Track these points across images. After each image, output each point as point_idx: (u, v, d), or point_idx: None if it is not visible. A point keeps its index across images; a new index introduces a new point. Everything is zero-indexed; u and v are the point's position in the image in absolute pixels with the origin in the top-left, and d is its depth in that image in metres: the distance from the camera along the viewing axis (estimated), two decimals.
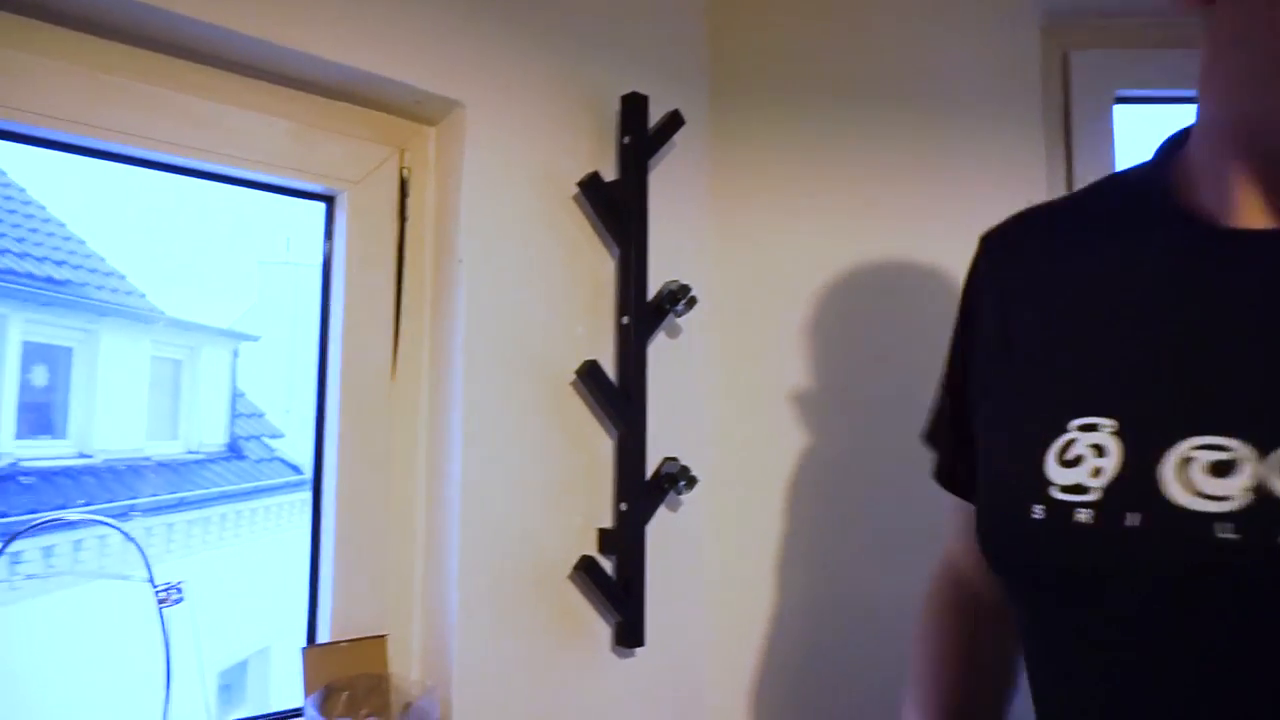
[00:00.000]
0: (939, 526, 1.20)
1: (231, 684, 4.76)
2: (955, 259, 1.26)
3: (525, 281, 1.14)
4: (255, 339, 5.75)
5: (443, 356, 1.11)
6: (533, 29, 1.16)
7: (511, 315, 1.12)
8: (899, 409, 1.24)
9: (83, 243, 5.59)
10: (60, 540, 3.83)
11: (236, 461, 5.23)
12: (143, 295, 5.67)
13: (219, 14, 0.90)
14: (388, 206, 1.11)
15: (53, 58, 0.88)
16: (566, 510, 1.17)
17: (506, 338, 1.11)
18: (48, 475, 4.14)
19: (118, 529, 0.83)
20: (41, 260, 4.91)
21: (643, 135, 1.22)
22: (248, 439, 5.48)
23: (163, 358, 4.94)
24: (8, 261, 4.66)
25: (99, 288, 5.20)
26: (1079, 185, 1.31)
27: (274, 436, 5.76)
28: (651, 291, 1.22)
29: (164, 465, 4.78)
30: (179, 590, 0.80)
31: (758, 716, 1.27)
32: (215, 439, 5.24)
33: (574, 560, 1.15)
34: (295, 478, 5.46)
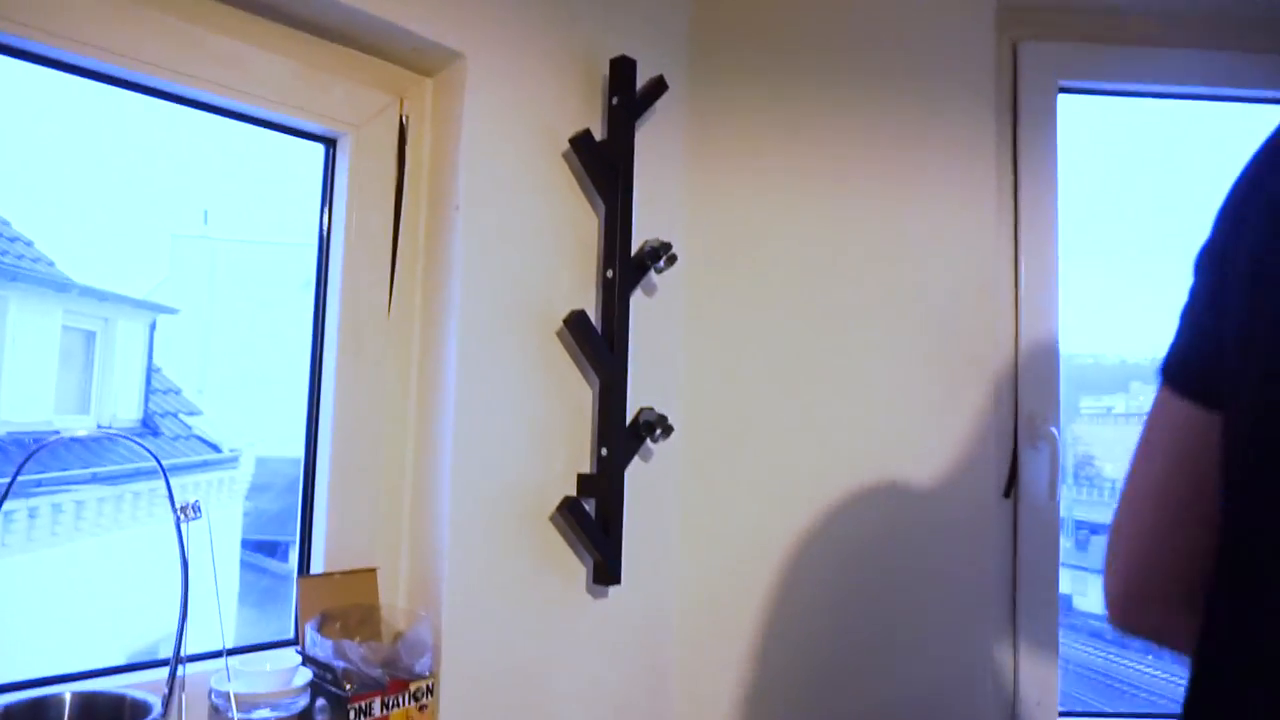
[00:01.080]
0: (904, 470, 1.31)
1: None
2: (914, 230, 1.36)
3: (517, 230, 1.18)
4: (175, 311, 5.54)
5: (436, 297, 1.15)
6: None
7: (504, 262, 1.16)
8: (862, 361, 1.34)
9: None
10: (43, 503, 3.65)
11: (151, 437, 5.05)
12: (51, 263, 5.39)
13: None
14: (387, 151, 1.14)
15: None
16: (550, 453, 1.22)
17: (499, 283, 1.16)
18: None
19: (143, 447, 0.84)
20: None
21: (630, 97, 1.27)
22: (163, 415, 5.29)
23: (74, 328, 4.73)
24: None
25: (3, 253, 4.94)
26: (1024, 168, 1.43)
27: (191, 413, 5.57)
28: (635, 247, 1.28)
29: (75, 440, 4.58)
30: (197, 508, 0.82)
31: (727, 652, 1.34)
32: (129, 414, 5.05)
33: (556, 501, 1.21)
34: (213, 456, 5.30)
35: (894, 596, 1.31)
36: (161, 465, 0.83)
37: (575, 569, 1.24)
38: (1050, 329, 1.40)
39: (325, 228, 1.13)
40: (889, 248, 1.36)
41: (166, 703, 0.84)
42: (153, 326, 5.59)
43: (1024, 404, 1.38)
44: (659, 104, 1.33)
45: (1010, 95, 1.44)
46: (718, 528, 1.36)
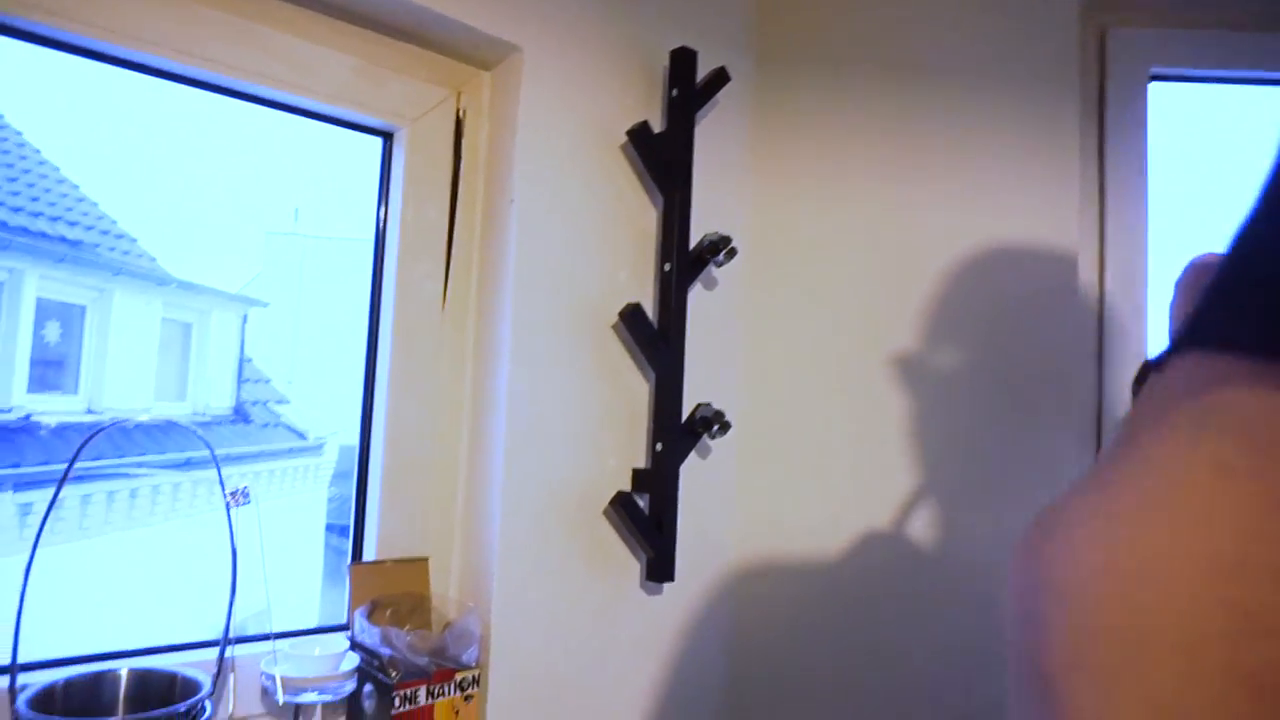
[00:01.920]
0: (968, 476, 1.25)
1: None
2: (988, 228, 1.30)
3: (573, 224, 1.17)
4: (265, 305, 5.77)
5: (491, 291, 1.15)
6: None
7: (559, 255, 1.16)
8: (929, 365, 1.28)
9: (95, 205, 5.60)
10: (96, 490, 3.87)
11: (242, 425, 5.26)
12: (153, 259, 5.68)
13: None
14: (444, 144, 1.15)
15: None
16: (604, 448, 1.21)
17: (553, 276, 1.15)
18: (58, 430, 4.17)
19: (195, 433, 0.87)
20: (55, 220, 4.93)
21: (690, 89, 1.25)
22: (254, 404, 5.51)
23: (173, 320, 4.96)
24: (22, 220, 4.68)
25: (110, 249, 5.22)
26: (1111, 163, 1.35)
27: (279, 402, 5.79)
28: (693, 241, 1.26)
29: (172, 425, 4.81)
30: (246, 494, 0.84)
31: (780, 653, 1.31)
32: (222, 402, 5.27)
33: (609, 496, 1.20)
34: (299, 443, 5.50)
35: (966, 605, 1.26)
36: (214, 453, 0.85)
37: (628, 565, 1.23)
38: (1139, 336, 1.32)
39: (381, 221, 1.14)
40: (961, 249, 1.30)
41: (215, 681, 0.86)
42: (244, 319, 5.84)
43: (1109, 415, 1.31)
44: (721, 97, 1.31)
45: (1097, 86, 1.36)
46: (776, 526, 1.33)
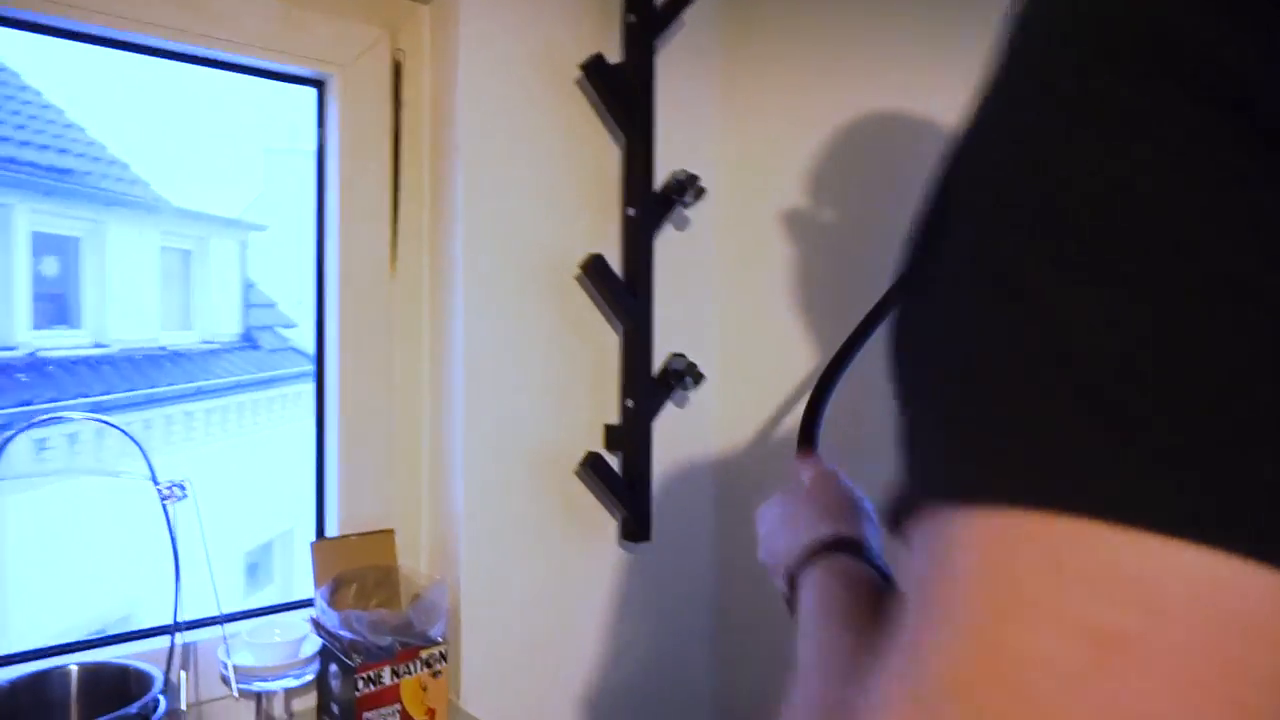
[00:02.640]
0: None
1: (258, 563, 4.94)
2: None
3: (526, 171, 1.09)
4: (263, 228, 5.70)
5: (442, 250, 1.08)
6: None
7: (513, 206, 1.08)
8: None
9: (82, 130, 5.48)
10: (62, 432, 3.91)
11: (251, 351, 5.28)
12: (147, 184, 5.60)
13: None
14: (381, 91, 1.06)
15: None
16: (573, 406, 1.16)
17: (508, 229, 1.08)
18: (67, 365, 4.19)
19: (116, 427, 0.82)
20: (43, 149, 4.83)
21: (649, 12, 1.15)
22: (261, 329, 5.52)
23: (171, 248, 4.92)
24: (9, 150, 4.59)
25: (103, 176, 5.13)
26: None
27: (287, 326, 5.79)
28: (659, 181, 1.18)
29: (180, 355, 4.82)
30: (182, 488, 0.80)
31: (763, 611, 1.29)
32: (229, 329, 5.28)
33: (581, 455, 1.15)
34: (310, 367, 5.51)
35: None
36: (142, 448, 0.81)
37: (603, 526, 1.20)
38: None
39: (320, 179, 1.06)
40: None
41: (167, 676, 0.84)
42: (244, 244, 5.75)
43: None
44: (687, 19, 1.20)
45: None
46: (756, 481, 1.29)
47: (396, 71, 1.07)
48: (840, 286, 1.24)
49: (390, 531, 1.09)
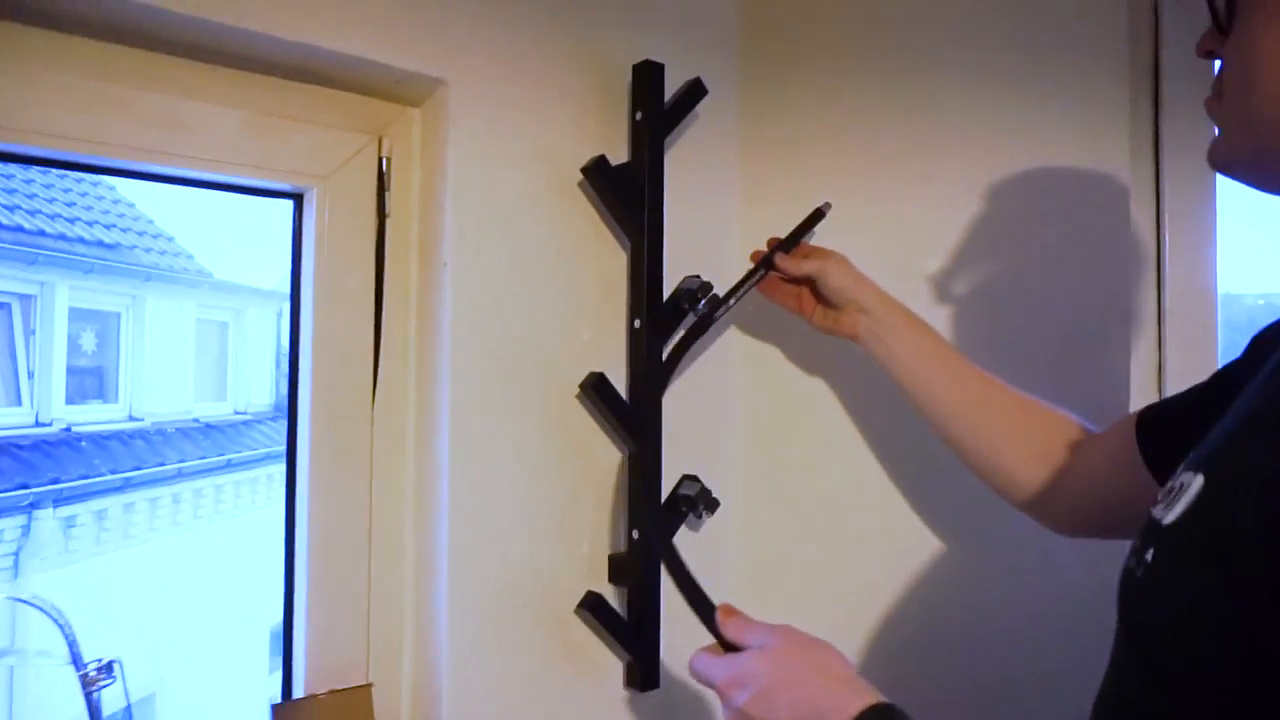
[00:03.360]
0: (1000, 551, 1.06)
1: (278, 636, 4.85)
2: (1024, 240, 1.08)
3: (522, 282, 1.00)
4: None
5: (429, 369, 0.99)
6: None
7: (507, 321, 0.99)
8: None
9: (132, 205, 5.61)
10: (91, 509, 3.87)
11: (284, 421, 5.26)
12: (191, 257, 5.70)
13: None
14: (364, 203, 0.98)
15: None
16: (572, 536, 1.05)
17: (501, 347, 0.99)
18: (99, 440, 4.19)
19: (43, 610, 0.73)
20: (91, 224, 4.94)
21: (658, 109, 1.06)
22: None
23: (208, 320, 4.95)
24: (58, 226, 4.68)
25: (148, 250, 5.23)
26: (1167, 146, 1.11)
27: None
28: (669, 289, 1.08)
29: (212, 427, 4.82)
30: (110, 671, 0.70)
31: None
32: (263, 399, 5.28)
33: (581, 592, 1.04)
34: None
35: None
36: (64, 629, 0.71)
37: (606, 669, 1.08)
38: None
39: (295, 295, 0.99)
40: (998, 273, 1.09)
41: None
42: (280, 314, 5.80)
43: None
44: (701, 113, 1.12)
45: (1151, 63, 1.11)
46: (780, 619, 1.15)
47: (381, 180, 0.99)
48: (872, 402, 1.12)
49: (368, 687, 0.98)
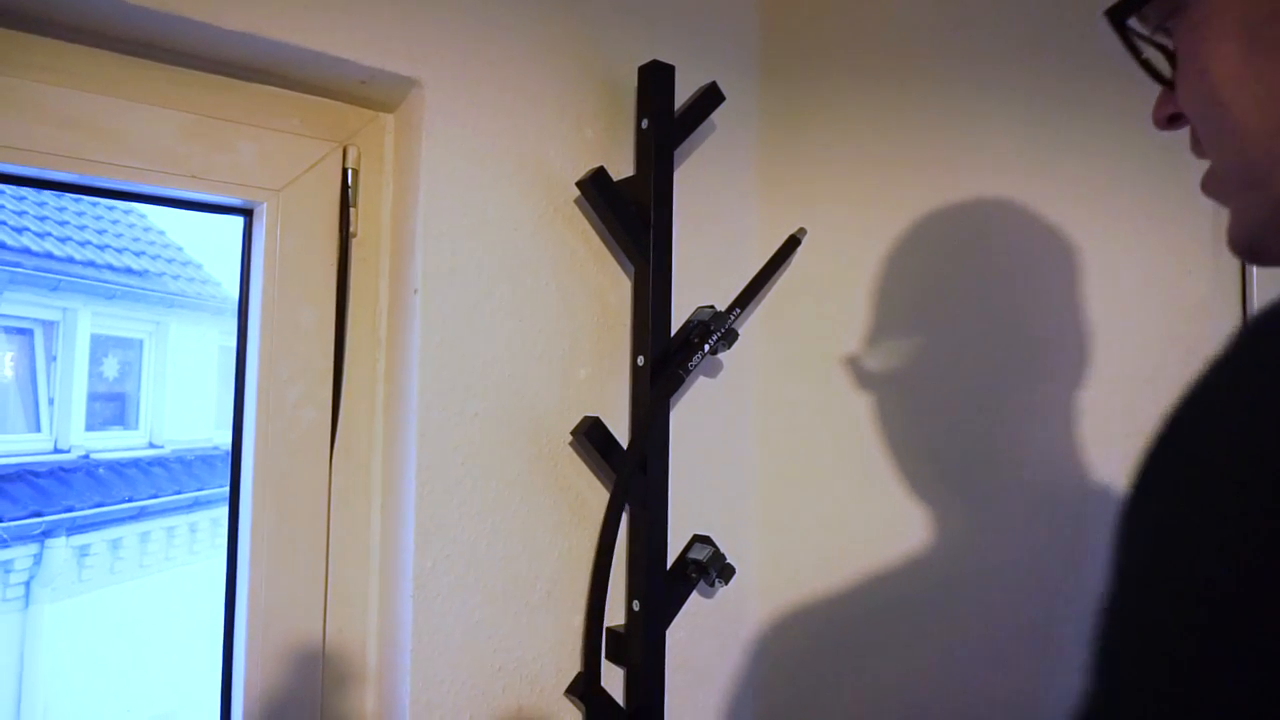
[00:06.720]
0: (1040, 623, 0.89)
1: None
2: (1070, 255, 0.93)
3: (507, 312, 0.87)
4: None
5: (398, 414, 0.86)
6: None
7: (488, 356, 0.85)
8: (994, 471, 0.91)
9: (162, 233, 5.61)
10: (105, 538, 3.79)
11: None
12: (219, 284, 5.67)
13: None
14: (325, 220, 0.86)
15: None
16: (564, 608, 0.90)
17: (480, 386, 0.85)
18: (117, 467, 4.12)
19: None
20: (121, 251, 4.92)
21: (667, 117, 0.93)
22: None
23: (232, 347, 4.90)
24: (87, 254, 4.66)
25: (175, 277, 5.20)
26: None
27: None
28: (678, 321, 0.94)
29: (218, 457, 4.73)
30: None
31: None
32: None
33: (573, 674, 0.89)
34: None
35: None
36: None
37: None
38: None
39: (242, 326, 0.86)
40: (1041, 303, 0.93)
41: None
42: None
43: None
44: (717, 121, 0.98)
45: None
46: (801, 699, 0.99)
47: (345, 194, 0.87)
48: (904, 448, 0.96)
49: None
